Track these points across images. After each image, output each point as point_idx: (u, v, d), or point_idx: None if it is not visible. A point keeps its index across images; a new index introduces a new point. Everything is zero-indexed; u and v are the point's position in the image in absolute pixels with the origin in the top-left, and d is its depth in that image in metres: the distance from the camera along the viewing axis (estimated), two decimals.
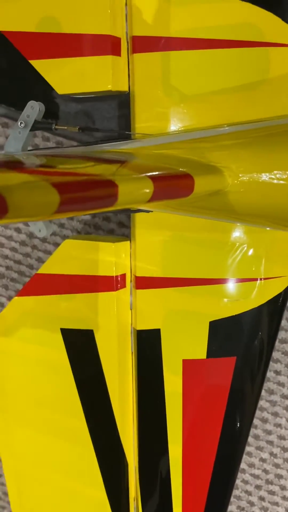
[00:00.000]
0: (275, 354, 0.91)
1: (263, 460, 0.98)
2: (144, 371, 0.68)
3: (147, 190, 0.34)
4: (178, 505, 0.72)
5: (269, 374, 0.93)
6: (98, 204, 0.31)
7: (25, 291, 0.70)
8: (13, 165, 0.31)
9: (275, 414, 0.95)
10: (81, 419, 0.73)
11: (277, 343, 0.92)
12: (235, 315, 0.61)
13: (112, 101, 0.68)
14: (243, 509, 1.01)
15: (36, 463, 0.78)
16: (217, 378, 0.64)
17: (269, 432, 0.96)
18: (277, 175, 0.47)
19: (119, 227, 0.93)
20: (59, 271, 0.69)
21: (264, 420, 0.95)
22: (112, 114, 0.76)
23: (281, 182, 0.47)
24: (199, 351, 0.63)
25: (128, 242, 0.66)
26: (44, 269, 0.70)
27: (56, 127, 0.63)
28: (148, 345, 0.67)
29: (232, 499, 1.01)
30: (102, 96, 0.65)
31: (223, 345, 0.63)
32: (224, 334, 0.62)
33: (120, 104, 0.73)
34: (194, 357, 0.64)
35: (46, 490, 0.79)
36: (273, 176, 0.46)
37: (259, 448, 0.97)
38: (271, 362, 0.94)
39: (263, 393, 0.93)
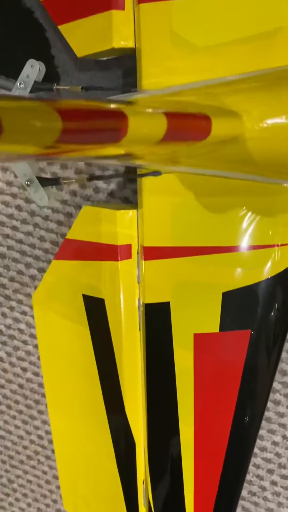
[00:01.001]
0: None
1: (275, 443, 0.94)
2: (153, 346, 0.65)
3: (160, 127, 0.30)
4: (190, 488, 0.68)
5: (283, 355, 0.89)
6: (105, 136, 0.28)
7: (58, 255, 0.71)
8: (14, 97, 0.27)
9: None
10: (98, 394, 0.71)
11: None
12: (250, 285, 0.57)
13: (118, 69, 0.64)
14: (254, 494, 0.98)
15: (64, 432, 0.77)
16: (230, 353, 0.61)
17: (281, 415, 0.92)
18: None
19: (124, 203, 0.89)
20: (79, 237, 0.68)
21: (277, 402, 0.92)
22: (117, 82, 0.73)
23: None
24: (212, 325, 0.60)
25: (134, 211, 0.63)
26: (70, 234, 0.70)
27: (57, 87, 0.59)
28: (157, 319, 0.63)
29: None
30: (107, 63, 0.62)
31: (237, 317, 0.59)
32: (238, 305, 0.59)
33: (125, 72, 0.70)
34: (206, 331, 0.61)
35: (78, 453, 0.78)
36: None
37: (271, 431, 0.94)
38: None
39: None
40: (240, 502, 1.00)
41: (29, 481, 1.13)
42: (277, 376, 0.90)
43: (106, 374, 0.70)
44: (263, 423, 0.93)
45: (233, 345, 0.60)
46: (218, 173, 0.48)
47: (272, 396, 0.91)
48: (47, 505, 1.14)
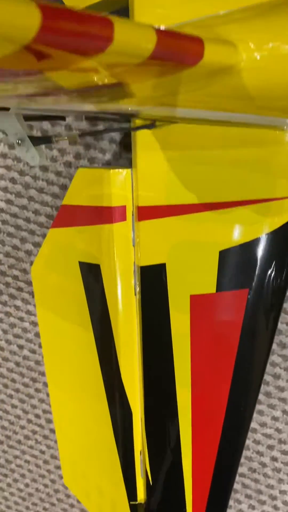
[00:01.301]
0: (287, 306, 0.86)
1: (275, 418, 0.93)
2: (148, 310, 0.63)
3: (149, 40, 0.28)
4: (188, 456, 0.67)
5: (281, 326, 0.88)
6: (88, 43, 0.26)
7: (55, 223, 0.70)
8: None
9: None
10: (95, 359, 0.69)
11: None
12: (248, 242, 0.55)
13: None
14: (254, 470, 0.97)
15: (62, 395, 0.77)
16: (228, 314, 0.59)
17: (281, 389, 0.91)
18: None
19: None
20: (74, 202, 0.66)
21: (277, 376, 0.90)
22: None
23: None
24: (208, 285, 0.58)
25: (129, 170, 0.61)
26: (65, 199, 0.68)
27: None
28: (152, 282, 0.62)
29: (242, 460, 0.97)
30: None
31: (235, 276, 0.58)
32: (236, 264, 0.57)
33: None
34: (203, 292, 0.59)
35: (77, 421, 0.77)
36: None
37: (271, 406, 0.92)
38: (283, 314, 0.90)
39: (274, 346, 0.89)
40: (240, 479, 0.98)
41: (27, 461, 1.12)
42: (277, 349, 0.89)
43: (102, 343, 0.69)
44: (263, 398, 0.92)
45: (230, 306, 0.59)
46: (213, 115, 0.46)
47: (272, 369, 0.90)
48: (46, 485, 1.13)
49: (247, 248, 0.56)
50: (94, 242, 0.66)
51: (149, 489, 0.72)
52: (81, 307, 0.70)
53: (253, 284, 0.57)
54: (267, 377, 0.90)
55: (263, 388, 0.91)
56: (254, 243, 0.55)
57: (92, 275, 0.68)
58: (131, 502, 0.74)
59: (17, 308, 1.00)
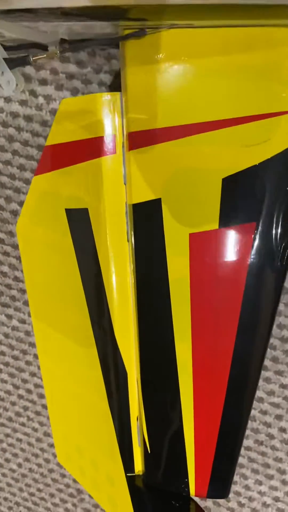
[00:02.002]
0: None
1: (283, 386, 0.86)
2: (142, 255, 0.56)
3: None
4: (189, 419, 0.60)
5: None
6: None
7: (39, 169, 0.63)
8: None
9: None
10: (85, 316, 0.63)
11: None
12: (254, 165, 0.48)
13: None
14: (261, 443, 0.91)
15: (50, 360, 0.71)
16: (232, 253, 0.52)
17: None
18: None
19: None
20: (58, 140, 0.59)
21: (285, 340, 0.83)
22: None
23: None
24: (210, 220, 0.51)
25: (118, 93, 0.54)
26: (49, 139, 0.61)
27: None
28: (146, 222, 0.55)
29: (249, 432, 0.91)
30: None
31: (240, 208, 0.51)
32: (241, 193, 0.50)
33: None
34: (204, 229, 0.52)
35: (66, 394, 0.72)
36: None
37: (279, 373, 0.86)
38: None
39: (282, 307, 0.82)
40: (246, 452, 0.92)
41: (19, 440, 1.06)
42: (284, 309, 0.82)
43: (93, 297, 0.62)
44: (270, 364, 0.85)
45: (235, 244, 0.51)
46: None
47: (279, 333, 0.83)
48: (39, 465, 1.07)
49: (255, 173, 0.48)
50: (81, 183, 0.59)
51: (147, 458, 0.65)
52: (70, 260, 0.63)
53: (262, 216, 0.49)
54: (273, 341, 0.84)
55: (269, 353, 0.85)
56: (262, 166, 0.48)
57: (79, 222, 0.61)
58: (128, 474, 0.68)
59: (4, 274, 0.93)
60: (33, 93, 0.83)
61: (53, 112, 0.82)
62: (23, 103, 0.83)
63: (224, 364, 0.56)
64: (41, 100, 0.82)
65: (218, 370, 0.56)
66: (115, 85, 0.81)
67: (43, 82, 0.82)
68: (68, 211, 0.61)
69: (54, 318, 0.69)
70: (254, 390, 0.59)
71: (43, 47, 0.67)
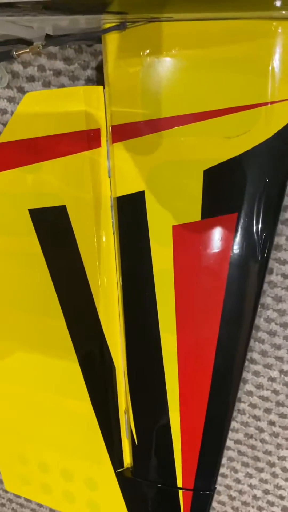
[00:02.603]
0: (283, 255, 0.79)
1: (272, 379, 0.87)
2: (126, 248, 0.57)
3: None
4: (175, 410, 0.61)
5: (277, 278, 0.82)
6: None
7: None
8: None
9: (285, 326, 0.83)
10: (60, 318, 0.62)
11: (284, 241, 0.80)
12: (235, 157, 0.49)
13: None
14: (251, 436, 0.91)
15: (12, 374, 0.68)
16: (215, 244, 0.53)
17: (278, 347, 0.85)
18: None
19: None
20: (21, 136, 0.58)
21: (272, 333, 0.84)
22: None
23: None
24: (192, 212, 0.52)
25: (101, 87, 0.54)
26: (4, 136, 0.59)
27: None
28: (130, 214, 0.55)
29: (238, 426, 0.91)
30: None
31: (221, 199, 0.51)
32: (222, 184, 0.50)
33: None
34: (186, 221, 0.52)
35: (24, 406, 0.69)
36: None
37: (268, 366, 0.86)
38: (277, 265, 0.83)
39: (269, 301, 0.82)
40: (236, 446, 0.93)
41: None
42: (272, 303, 0.82)
43: (72, 294, 0.61)
44: (258, 357, 0.86)
45: (217, 235, 0.52)
46: None
47: (267, 326, 0.84)
48: None
49: (235, 164, 0.49)
50: (55, 179, 0.58)
51: (134, 450, 0.66)
52: (36, 263, 0.60)
53: (243, 207, 0.50)
54: (262, 335, 0.84)
55: (258, 346, 0.85)
56: (242, 157, 0.48)
57: (51, 221, 0.59)
58: (117, 471, 0.68)
59: None
60: (21, 90, 0.83)
61: None
62: (11, 99, 0.83)
63: (209, 354, 0.56)
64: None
65: (203, 361, 0.57)
66: (102, 81, 0.82)
67: (31, 79, 0.82)
68: (33, 211, 0.59)
69: (9, 329, 0.66)
70: (238, 380, 0.59)
71: (29, 43, 0.68)
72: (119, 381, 0.64)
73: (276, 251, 0.79)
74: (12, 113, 0.83)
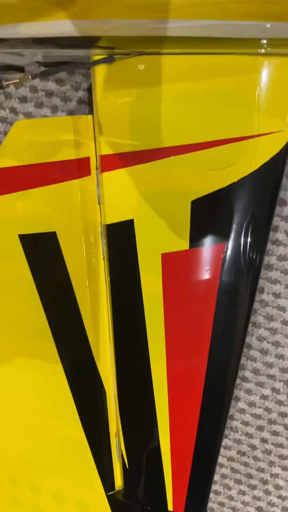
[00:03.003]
0: (273, 274, 0.80)
1: (264, 397, 0.87)
2: (116, 275, 0.57)
3: None
4: (165, 434, 0.61)
5: (268, 297, 0.82)
6: None
7: None
8: None
9: (276, 344, 0.84)
10: (50, 343, 0.62)
11: (274, 261, 0.81)
12: (222, 188, 0.49)
13: None
14: (244, 453, 0.91)
15: (3, 397, 0.68)
16: (203, 272, 0.53)
17: (270, 365, 0.85)
18: None
19: None
20: (11, 163, 0.58)
21: (264, 352, 0.84)
22: None
23: None
24: (181, 241, 0.52)
25: (90, 116, 0.55)
26: None
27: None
28: (120, 242, 0.56)
29: (231, 443, 0.92)
30: None
31: (209, 230, 0.52)
32: (210, 215, 0.51)
33: None
34: (175, 249, 0.53)
35: (15, 429, 0.69)
36: None
37: (260, 384, 0.87)
38: (268, 284, 0.84)
39: (261, 319, 0.83)
40: (229, 463, 0.93)
41: None
42: (263, 322, 0.83)
43: (63, 319, 0.61)
44: (250, 375, 0.86)
45: (206, 263, 0.53)
46: (178, 24, 0.39)
47: (259, 344, 0.84)
48: None
49: (221, 196, 0.49)
50: (45, 206, 0.58)
51: (125, 473, 0.66)
52: (26, 287, 0.61)
53: (230, 237, 0.51)
54: (254, 353, 0.85)
55: (250, 365, 0.86)
56: (228, 189, 0.49)
57: (41, 247, 0.59)
58: (108, 493, 0.68)
59: None
60: (13, 111, 0.84)
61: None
62: (3, 120, 0.84)
63: (198, 380, 0.57)
64: (21, 117, 0.82)
65: (193, 386, 0.57)
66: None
67: (23, 99, 0.83)
68: (23, 237, 0.59)
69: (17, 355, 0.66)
70: (228, 406, 0.59)
71: (20, 69, 0.68)
72: (109, 404, 0.64)
73: (267, 270, 0.80)
74: (5, 133, 0.84)
